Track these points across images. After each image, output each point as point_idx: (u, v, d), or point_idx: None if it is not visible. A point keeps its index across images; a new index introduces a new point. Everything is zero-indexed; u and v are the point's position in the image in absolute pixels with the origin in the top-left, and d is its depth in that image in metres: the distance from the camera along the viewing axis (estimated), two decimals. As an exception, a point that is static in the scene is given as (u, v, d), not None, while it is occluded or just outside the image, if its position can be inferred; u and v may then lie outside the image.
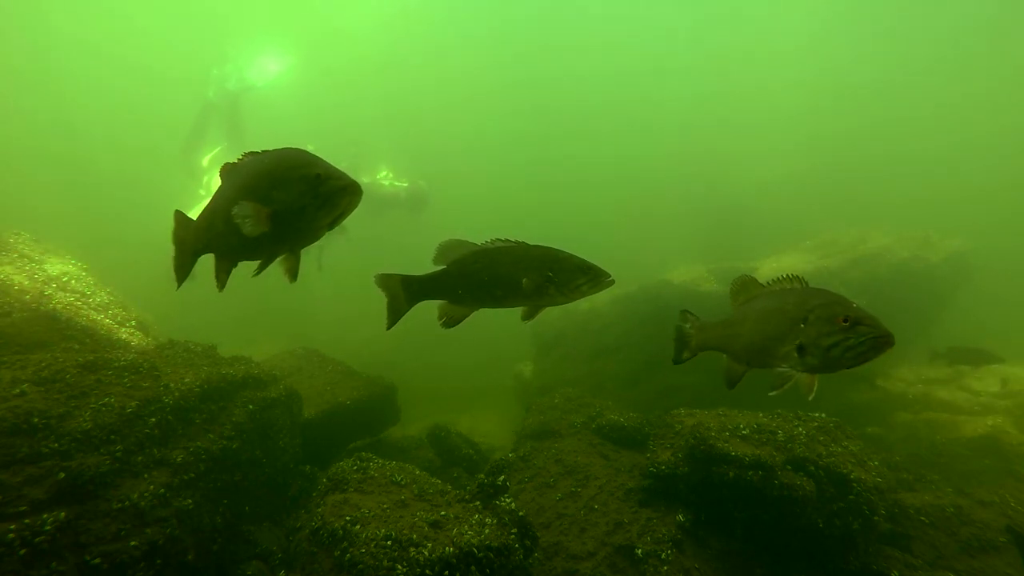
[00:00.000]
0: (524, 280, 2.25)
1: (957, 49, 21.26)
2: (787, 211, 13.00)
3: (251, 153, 1.99)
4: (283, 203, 1.82)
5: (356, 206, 1.87)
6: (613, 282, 2.30)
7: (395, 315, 2.44)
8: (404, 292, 2.39)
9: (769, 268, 7.07)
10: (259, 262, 2.01)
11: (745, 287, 2.41)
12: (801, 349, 1.99)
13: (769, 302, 2.23)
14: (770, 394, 2.03)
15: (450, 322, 2.44)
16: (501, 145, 25.59)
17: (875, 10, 21.76)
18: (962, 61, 21.53)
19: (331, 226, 1.90)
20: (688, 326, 2.55)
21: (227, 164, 2.05)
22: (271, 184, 1.84)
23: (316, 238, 1.95)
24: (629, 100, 26.45)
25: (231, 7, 20.71)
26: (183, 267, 2.23)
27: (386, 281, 2.41)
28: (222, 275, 2.11)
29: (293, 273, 2.00)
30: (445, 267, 2.38)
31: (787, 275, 2.25)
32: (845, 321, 1.87)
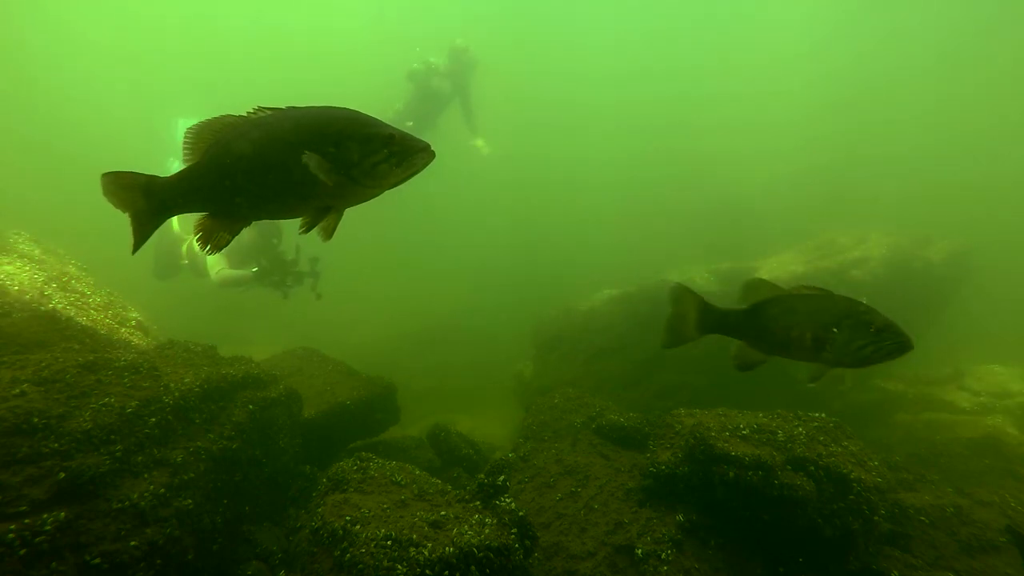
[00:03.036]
0: (832, 334, 2.06)
1: (956, 47, 21.27)
2: (787, 211, 13.02)
3: (266, 108, 1.89)
4: (344, 161, 1.81)
5: (425, 167, 1.89)
6: (911, 346, 2.08)
7: (677, 338, 2.27)
8: (698, 316, 2.25)
9: (769, 268, 7.07)
10: (304, 219, 1.93)
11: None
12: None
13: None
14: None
15: (743, 366, 2.30)
16: (503, 143, 25.59)
17: (875, 10, 21.76)
18: (961, 59, 21.54)
19: (393, 185, 1.90)
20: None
21: (223, 118, 1.90)
22: (326, 140, 1.80)
23: (371, 197, 1.93)
24: (630, 99, 26.48)
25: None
26: (145, 231, 2.05)
27: (681, 296, 2.25)
28: (224, 236, 1.99)
29: (331, 232, 1.94)
30: (746, 307, 2.25)
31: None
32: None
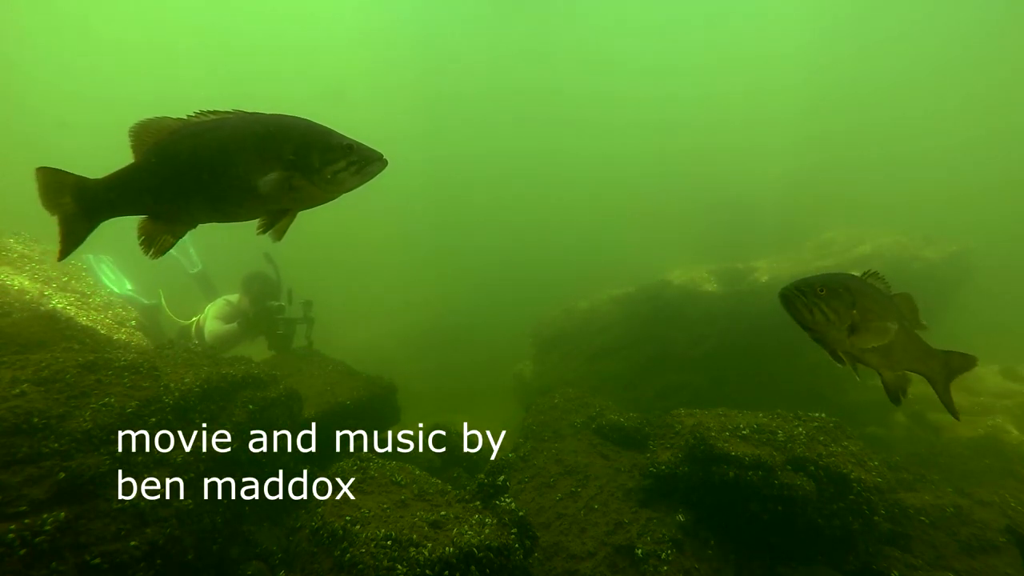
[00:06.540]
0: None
1: (957, 48, 21.28)
2: (787, 211, 13.02)
3: (214, 112, 1.87)
4: (305, 168, 1.85)
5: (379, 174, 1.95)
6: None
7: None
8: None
9: (769, 267, 7.06)
10: (261, 220, 1.96)
11: None
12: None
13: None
14: None
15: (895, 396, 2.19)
16: (503, 142, 25.60)
17: (876, 11, 21.76)
18: (962, 60, 21.55)
19: (348, 191, 1.95)
20: None
21: (161, 120, 1.86)
22: (285, 148, 1.84)
23: (326, 201, 1.97)
24: (631, 99, 26.48)
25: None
26: (78, 234, 1.95)
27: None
28: (168, 239, 1.95)
29: (283, 233, 1.97)
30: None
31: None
32: None
